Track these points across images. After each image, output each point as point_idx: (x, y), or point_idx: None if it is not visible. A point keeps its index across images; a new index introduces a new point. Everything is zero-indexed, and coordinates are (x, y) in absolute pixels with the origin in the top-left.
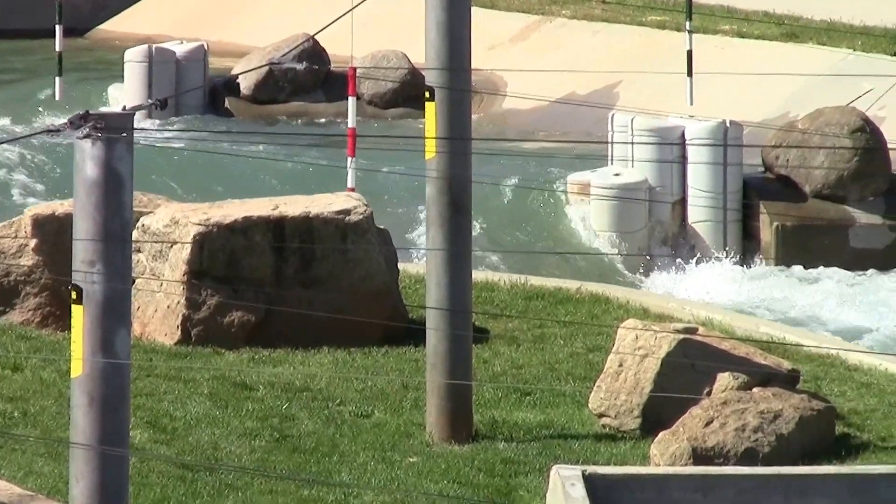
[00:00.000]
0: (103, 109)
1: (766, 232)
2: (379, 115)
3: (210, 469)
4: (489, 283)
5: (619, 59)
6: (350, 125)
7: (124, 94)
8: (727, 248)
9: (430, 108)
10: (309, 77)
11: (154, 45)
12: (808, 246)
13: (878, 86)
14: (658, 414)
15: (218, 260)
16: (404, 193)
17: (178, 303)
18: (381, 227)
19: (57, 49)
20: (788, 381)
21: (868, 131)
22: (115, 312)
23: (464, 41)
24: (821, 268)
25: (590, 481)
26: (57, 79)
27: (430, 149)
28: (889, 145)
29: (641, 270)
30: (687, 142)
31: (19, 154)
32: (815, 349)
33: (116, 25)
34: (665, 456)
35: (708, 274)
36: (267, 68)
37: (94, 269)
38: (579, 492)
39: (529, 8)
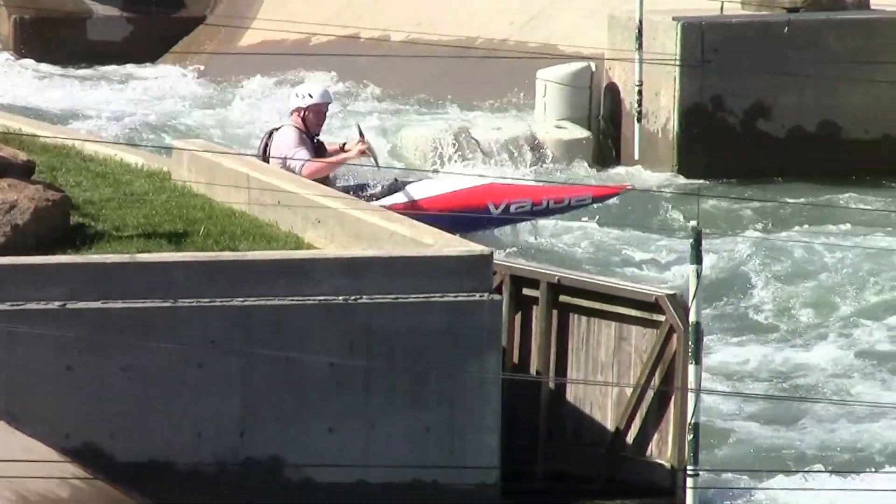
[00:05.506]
0: None
1: (4, 25)
2: None
3: None
4: None
5: None
6: None
7: None
8: None
9: None
10: None
11: None
12: (47, 38)
13: None
14: None
15: None
16: None
17: None
18: None
19: None
20: (24, 171)
21: None
22: None
23: None
24: (60, 60)
25: None
26: None
27: None
28: None
29: None
30: None
31: None
32: (51, 139)
33: None
34: None
35: None
36: None
37: None
38: None
39: None
